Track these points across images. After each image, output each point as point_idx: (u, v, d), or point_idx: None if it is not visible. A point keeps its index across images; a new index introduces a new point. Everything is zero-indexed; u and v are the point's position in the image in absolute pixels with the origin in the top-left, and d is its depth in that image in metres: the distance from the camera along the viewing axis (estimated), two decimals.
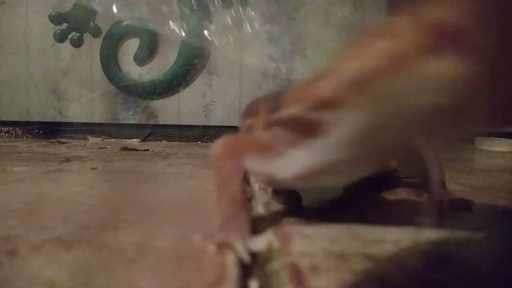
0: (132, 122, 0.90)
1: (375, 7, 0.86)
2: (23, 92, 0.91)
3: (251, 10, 0.86)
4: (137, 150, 0.67)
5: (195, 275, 0.17)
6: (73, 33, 0.88)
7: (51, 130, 0.90)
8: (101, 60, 0.89)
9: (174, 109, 0.90)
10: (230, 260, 0.18)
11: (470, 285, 0.17)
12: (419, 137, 0.18)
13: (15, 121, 0.91)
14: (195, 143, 0.85)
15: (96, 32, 0.88)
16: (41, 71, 0.90)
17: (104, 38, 0.88)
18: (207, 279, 0.16)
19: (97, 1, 0.84)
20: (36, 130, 0.90)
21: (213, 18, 0.86)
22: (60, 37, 0.89)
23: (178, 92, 0.90)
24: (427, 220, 0.28)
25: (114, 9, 0.84)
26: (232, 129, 0.88)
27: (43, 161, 0.51)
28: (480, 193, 0.34)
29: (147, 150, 0.67)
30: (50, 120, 0.91)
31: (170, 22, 0.85)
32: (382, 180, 0.35)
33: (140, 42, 0.87)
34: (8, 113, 0.91)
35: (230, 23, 0.86)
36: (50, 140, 0.84)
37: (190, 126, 0.89)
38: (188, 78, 0.88)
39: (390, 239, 0.22)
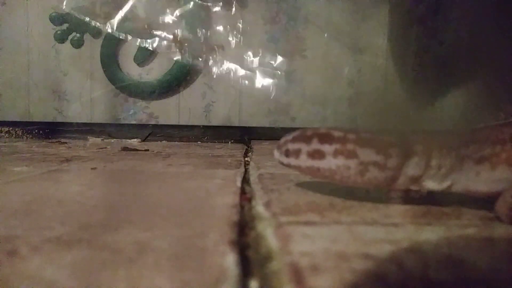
0: (133, 122, 0.90)
1: (376, 8, 0.85)
2: (23, 92, 0.91)
3: (250, 11, 0.86)
4: (137, 150, 0.67)
5: (195, 275, 0.17)
6: (74, 33, 0.88)
7: (51, 130, 0.90)
8: (101, 61, 0.89)
9: (174, 109, 0.90)
10: (230, 260, 0.18)
11: (470, 285, 0.17)
12: None
13: (15, 121, 0.91)
14: (195, 143, 0.85)
15: (96, 33, 0.88)
16: (41, 72, 0.90)
17: (104, 39, 0.88)
18: (207, 279, 0.16)
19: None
20: (36, 130, 0.90)
21: (213, 18, 0.86)
22: (61, 38, 0.89)
23: (178, 93, 0.90)
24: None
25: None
26: (232, 129, 0.88)
27: (43, 161, 0.51)
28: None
29: (147, 150, 0.67)
30: (50, 120, 0.91)
31: (170, 22, 0.85)
32: None
33: (140, 41, 0.87)
34: (8, 113, 0.91)
35: (229, 23, 0.86)
36: (50, 140, 0.84)
37: (190, 126, 0.89)
38: (188, 78, 0.88)
39: (390, 239, 0.22)
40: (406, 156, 0.27)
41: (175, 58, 0.85)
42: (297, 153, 0.29)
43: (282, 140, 0.31)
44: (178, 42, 0.84)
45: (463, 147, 0.27)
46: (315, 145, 0.28)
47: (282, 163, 0.31)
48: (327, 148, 0.28)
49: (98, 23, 0.83)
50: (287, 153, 0.30)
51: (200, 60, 0.85)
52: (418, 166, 0.27)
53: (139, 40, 0.86)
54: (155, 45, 0.85)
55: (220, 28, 0.86)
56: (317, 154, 0.28)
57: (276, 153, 0.32)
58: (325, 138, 0.28)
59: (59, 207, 0.28)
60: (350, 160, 0.27)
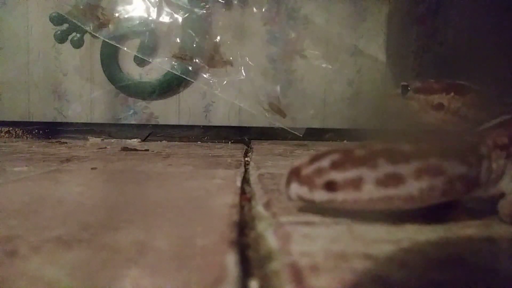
0: (132, 122, 0.90)
1: (375, 8, 0.86)
2: (23, 93, 0.91)
3: (251, 10, 0.86)
4: (137, 150, 0.67)
5: (195, 275, 0.17)
6: (74, 33, 0.88)
7: (51, 130, 0.90)
8: (101, 61, 0.89)
9: (174, 109, 0.90)
10: (230, 260, 0.18)
11: (470, 285, 0.17)
12: None
13: (15, 121, 0.91)
14: (195, 143, 0.85)
15: None
16: (41, 72, 0.90)
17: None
18: (207, 279, 0.16)
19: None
20: (36, 130, 0.90)
21: (212, 18, 0.86)
22: (61, 38, 0.89)
23: (178, 93, 0.90)
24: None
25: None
26: (232, 129, 0.88)
27: (43, 161, 0.51)
28: None
29: (147, 150, 0.67)
30: (50, 120, 0.91)
31: (170, 22, 0.85)
32: None
33: (140, 43, 0.87)
34: (8, 113, 0.91)
35: (229, 23, 0.86)
36: (50, 140, 0.84)
37: (190, 126, 0.89)
38: (192, 81, 0.88)
39: (390, 239, 0.22)
40: (480, 161, 0.23)
41: (170, 70, 0.85)
42: (356, 183, 0.22)
43: (307, 169, 0.23)
44: (179, 56, 0.84)
45: (509, 146, 0.24)
46: (385, 167, 0.21)
47: (312, 201, 0.23)
48: (404, 168, 0.21)
49: (91, 29, 0.83)
50: (331, 186, 0.22)
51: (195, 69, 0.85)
52: (488, 170, 0.24)
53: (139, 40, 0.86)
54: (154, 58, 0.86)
55: (219, 29, 0.86)
56: (392, 180, 0.21)
57: (301, 189, 0.23)
58: (396, 156, 0.22)
59: (59, 207, 0.28)
60: (436, 178, 0.22)
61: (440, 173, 0.22)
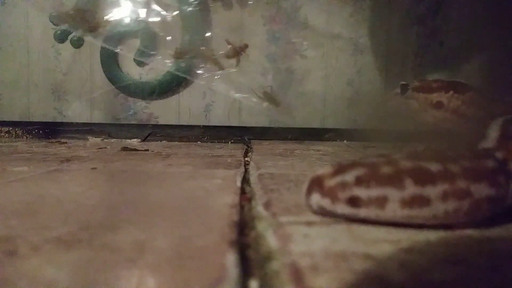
0: (132, 122, 0.90)
1: (376, 8, 0.85)
2: (23, 92, 0.91)
3: (250, 11, 0.86)
4: (137, 150, 0.67)
5: (195, 275, 0.17)
6: (74, 33, 0.88)
7: (51, 130, 0.90)
8: (101, 61, 0.89)
9: (174, 109, 0.90)
10: (230, 260, 0.18)
11: (470, 285, 0.17)
12: None
13: (15, 121, 0.91)
14: (195, 143, 0.85)
15: None
16: (41, 72, 0.90)
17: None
18: (207, 279, 0.16)
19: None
20: (36, 130, 0.90)
21: (212, 19, 0.86)
22: (61, 38, 0.89)
23: (178, 93, 0.90)
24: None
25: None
26: (232, 129, 0.88)
27: (43, 161, 0.51)
28: None
29: (147, 150, 0.67)
30: (50, 120, 0.91)
31: (170, 22, 0.85)
32: None
33: (140, 43, 0.87)
34: (8, 113, 0.91)
35: (229, 23, 0.86)
36: (50, 140, 0.84)
37: (190, 126, 0.89)
38: (188, 78, 0.88)
39: (390, 239, 0.22)
40: (509, 180, 0.23)
41: (171, 70, 0.85)
42: (380, 201, 0.22)
43: (330, 181, 0.23)
44: (178, 54, 0.84)
45: None
46: (412, 188, 0.21)
47: (333, 213, 0.23)
48: (431, 190, 0.21)
49: (81, 33, 0.84)
50: (355, 202, 0.22)
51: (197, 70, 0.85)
52: None
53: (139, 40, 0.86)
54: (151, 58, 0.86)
55: (219, 29, 0.86)
56: (417, 201, 0.21)
57: (323, 201, 0.23)
58: (422, 176, 0.21)
59: (59, 207, 0.28)
60: (463, 201, 0.21)
61: (467, 196, 0.22)
